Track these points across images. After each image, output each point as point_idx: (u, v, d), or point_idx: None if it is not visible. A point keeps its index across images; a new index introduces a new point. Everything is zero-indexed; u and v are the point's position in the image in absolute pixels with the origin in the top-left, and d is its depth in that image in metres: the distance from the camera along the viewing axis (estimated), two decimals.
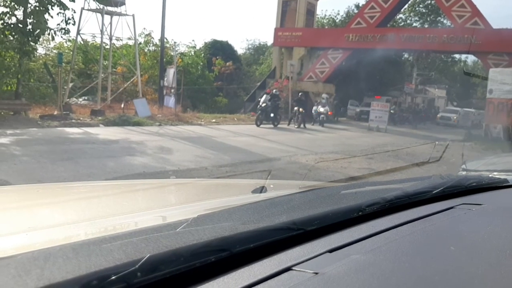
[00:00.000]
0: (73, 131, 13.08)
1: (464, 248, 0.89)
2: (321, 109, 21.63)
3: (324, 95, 23.67)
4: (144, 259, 0.58)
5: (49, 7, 15.20)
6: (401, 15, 35.59)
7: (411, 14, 37.42)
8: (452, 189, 1.37)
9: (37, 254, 0.56)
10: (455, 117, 30.59)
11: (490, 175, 4.22)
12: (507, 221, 1.15)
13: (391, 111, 24.04)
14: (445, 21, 33.16)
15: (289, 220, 0.85)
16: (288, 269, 0.70)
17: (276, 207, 0.93)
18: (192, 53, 31.89)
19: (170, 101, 20.60)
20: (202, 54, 31.94)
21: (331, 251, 0.79)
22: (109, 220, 1.06)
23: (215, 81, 30.79)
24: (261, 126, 18.27)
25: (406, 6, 32.23)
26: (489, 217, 1.19)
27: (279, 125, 19.13)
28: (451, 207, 1.21)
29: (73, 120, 15.43)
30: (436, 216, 1.11)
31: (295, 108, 20.36)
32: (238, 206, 0.96)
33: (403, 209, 1.14)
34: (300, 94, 22.57)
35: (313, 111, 22.41)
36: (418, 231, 0.98)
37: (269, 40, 36.92)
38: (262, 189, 1.28)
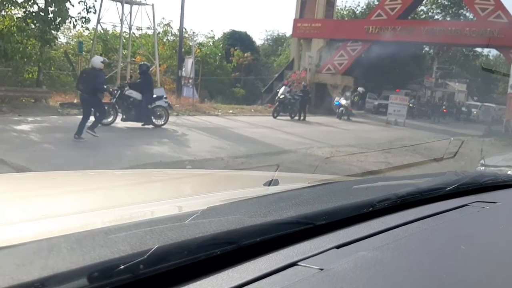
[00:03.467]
0: (92, 119, 13.18)
1: (474, 247, 0.87)
2: (343, 102, 21.30)
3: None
4: (151, 251, 0.59)
5: None
6: (422, 7, 34.99)
7: (433, 6, 36.76)
8: (466, 186, 1.34)
9: (42, 244, 0.57)
10: (475, 112, 30.13)
11: (509, 171, 4.15)
12: None
13: (410, 105, 23.72)
14: (467, 14, 32.54)
15: (297, 215, 0.84)
16: (293, 264, 0.70)
17: (284, 201, 0.92)
18: (211, 43, 31.86)
19: (189, 91, 20.66)
20: (221, 45, 31.87)
21: (338, 247, 0.78)
22: (122, 209, 1.06)
23: (233, 72, 30.74)
24: (278, 118, 18.11)
25: None
26: (503, 215, 1.17)
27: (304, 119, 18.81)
28: (465, 205, 1.18)
29: None
30: (448, 214, 1.09)
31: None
32: (246, 199, 0.96)
33: (415, 206, 1.11)
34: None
35: (334, 102, 22.30)
36: (428, 229, 0.96)
37: (288, 31, 36.77)
38: (271, 182, 1.28)
